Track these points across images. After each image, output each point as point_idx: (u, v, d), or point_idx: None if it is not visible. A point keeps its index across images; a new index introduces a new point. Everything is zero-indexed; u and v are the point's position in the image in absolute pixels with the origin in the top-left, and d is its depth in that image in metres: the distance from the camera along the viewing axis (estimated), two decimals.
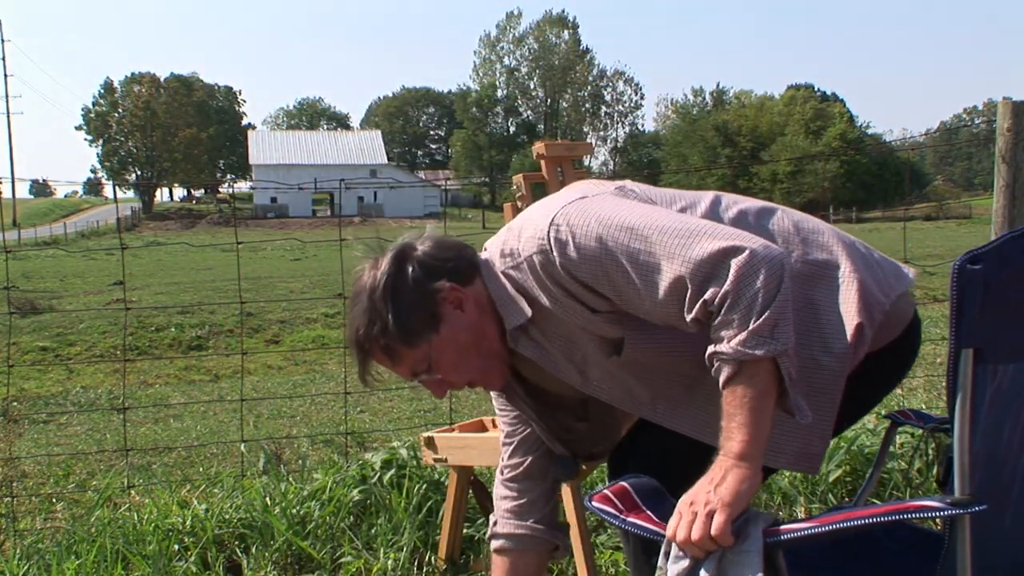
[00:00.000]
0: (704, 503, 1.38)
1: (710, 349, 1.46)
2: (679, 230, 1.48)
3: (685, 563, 1.39)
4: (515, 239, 1.64)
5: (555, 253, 1.55)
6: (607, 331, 1.61)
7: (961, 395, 1.27)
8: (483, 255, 1.73)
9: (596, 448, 1.91)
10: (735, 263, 1.42)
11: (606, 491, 1.61)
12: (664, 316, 1.52)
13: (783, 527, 1.36)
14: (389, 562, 2.94)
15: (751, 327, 1.40)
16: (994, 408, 1.30)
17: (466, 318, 1.66)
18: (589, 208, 1.57)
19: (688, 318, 1.48)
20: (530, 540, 1.97)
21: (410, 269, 1.65)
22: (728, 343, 1.42)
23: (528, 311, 1.63)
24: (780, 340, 1.41)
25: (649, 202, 1.65)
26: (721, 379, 1.45)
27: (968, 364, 1.27)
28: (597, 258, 1.52)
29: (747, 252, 1.42)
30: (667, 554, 1.43)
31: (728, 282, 1.42)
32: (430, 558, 2.96)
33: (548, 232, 1.57)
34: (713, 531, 1.34)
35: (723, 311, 1.43)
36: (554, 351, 1.68)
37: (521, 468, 1.97)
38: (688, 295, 1.46)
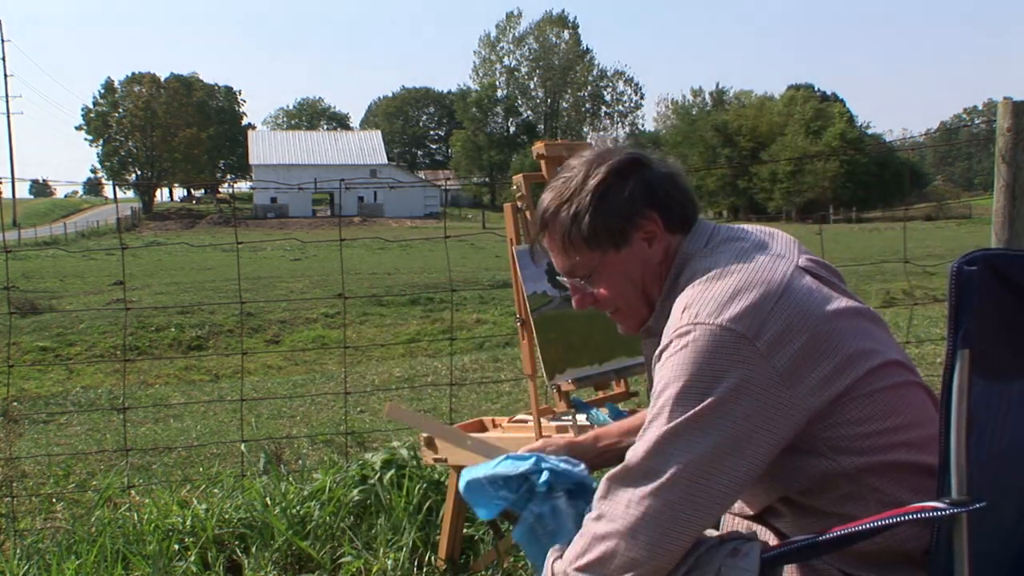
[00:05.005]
0: None
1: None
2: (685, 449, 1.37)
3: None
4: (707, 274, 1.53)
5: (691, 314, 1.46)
6: None
7: (957, 395, 1.27)
8: (701, 232, 1.64)
9: None
10: (614, 544, 1.37)
11: None
12: None
13: (782, 541, 1.38)
14: (389, 562, 2.94)
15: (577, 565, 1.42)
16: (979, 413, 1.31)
17: (647, 255, 1.62)
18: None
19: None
20: None
21: (633, 183, 1.60)
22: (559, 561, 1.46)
23: None
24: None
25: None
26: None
27: (965, 365, 1.27)
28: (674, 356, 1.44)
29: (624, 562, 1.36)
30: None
31: (591, 542, 1.40)
32: (430, 558, 2.96)
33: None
34: None
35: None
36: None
37: None
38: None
